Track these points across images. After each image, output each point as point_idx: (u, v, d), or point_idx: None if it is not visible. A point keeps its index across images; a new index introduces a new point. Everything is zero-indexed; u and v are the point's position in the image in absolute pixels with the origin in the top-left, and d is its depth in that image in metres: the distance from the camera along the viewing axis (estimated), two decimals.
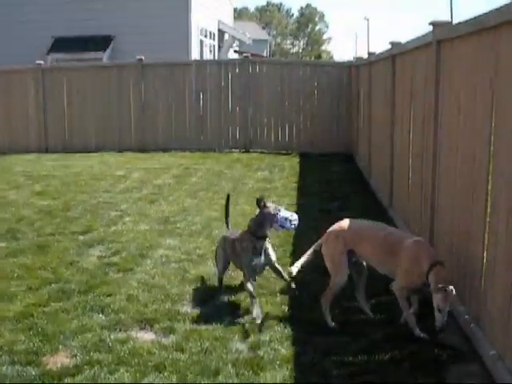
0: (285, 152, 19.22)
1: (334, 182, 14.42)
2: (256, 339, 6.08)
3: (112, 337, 6.14)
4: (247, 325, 6.41)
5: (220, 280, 7.38)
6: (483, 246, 5.74)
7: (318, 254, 6.73)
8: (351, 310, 6.76)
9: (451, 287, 5.65)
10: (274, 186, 13.92)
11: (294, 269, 6.75)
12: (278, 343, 6.00)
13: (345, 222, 6.83)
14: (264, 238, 6.70)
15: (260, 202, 6.68)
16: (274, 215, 6.62)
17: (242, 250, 6.74)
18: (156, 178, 14.84)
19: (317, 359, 5.71)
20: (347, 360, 5.73)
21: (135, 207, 11.80)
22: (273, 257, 6.87)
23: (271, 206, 6.66)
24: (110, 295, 7.19)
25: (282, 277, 6.86)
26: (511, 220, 5.00)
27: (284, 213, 6.69)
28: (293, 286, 6.82)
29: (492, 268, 5.54)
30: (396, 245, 6.25)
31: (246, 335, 6.20)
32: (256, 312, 6.43)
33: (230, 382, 5.31)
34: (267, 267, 6.91)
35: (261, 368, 5.53)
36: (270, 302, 6.94)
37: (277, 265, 6.91)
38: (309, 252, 6.87)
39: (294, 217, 6.74)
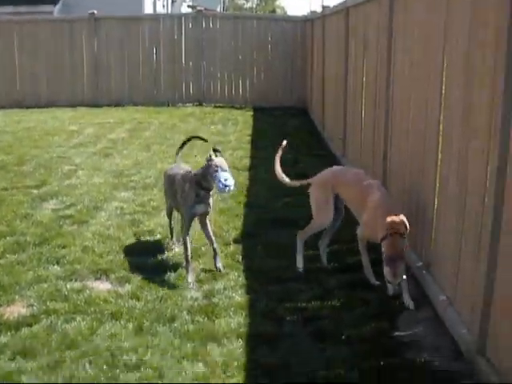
0: (238, 106, 19.22)
1: (288, 135, 14.39)
2: (210, 287, 6.19)
3: (68, 287, 6.18)
4: (202, 274, 6.50)
5: (169, 216, 7.38)
6: (434, 193, 5.87)
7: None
8: (307, 258, 6.85)
9: (400, 263, 5.67)
10: (227, 139, 13.94)
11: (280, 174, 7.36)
12: (233, 291, 6.11)
13: (332, 169, 7.03)
14: (208, 190, 6.52)
15: (208, 157, 6.40)
16: (215, 170, 6.30)
17: (183, 196, 6.57)
18: (110, 133, 14.77)
19: (271, 306, 5.83)
20: (301, 306, 5.84)
21: (89, 161, 11.76)
22: (210, 210, 6.72)
23: (215, 160, 6.35)
24: (65, 247, 7.21)
25: (209, 234, 6.70)
26: (462, 166, 5.13)
27: (223, 174, 6.29)
28: (220, 267, 6.62)
29: (443, 214, 5.67)
30: (365, 196, 6.26)
31: (200, 283, 6.31)
32: (191, 278, 6.37)
33: (186, 328, 5.40)
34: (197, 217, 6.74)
35: (216, 315, 5.63)
36: (224, 251, 7.01)
37: (208, 220, 6.73)
38: (293, 183, 7.27)
39: (230, 182, 6.29)
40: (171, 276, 6.45)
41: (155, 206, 8.65)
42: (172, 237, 7.34)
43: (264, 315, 5.66)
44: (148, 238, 7.48)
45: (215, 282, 6.31)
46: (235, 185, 6.57)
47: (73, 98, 19.70)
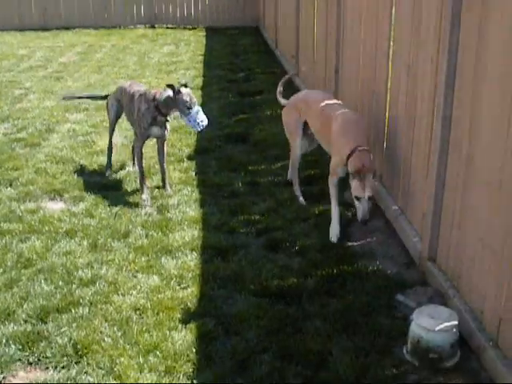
0: (191, 27, 18.94)
1: (241, 54, 14.38)
2: (164, 203, 6.24)
3: (22, 208, 6.18)
4: (156, 190, 6.53)
5: (111, 130, 7.19)
6: (385, 103, 5.92)
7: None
8: (259, 173, 6.98)
9: (368, 175, 5.23)
10: (180, 59, 13.78)
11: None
12: (186, 206, 6.19)
13: (302, 93, 6.78)
14: (166, 115, 6.39)
15: (174, 87, 6.16)
16: (188, 107, 6.14)
17: (141, 114, 6.37)
18: (60, 56, 14.47)
19: (224, 219, 5.92)
20: (254, 219, 5.95)
21: (40, 85, 11.54)
22: (167, 134, 6.62)
23: (185, 93, 6.16)
24: (17, 169, 7.18)
25: (162, 160, 6.61)
26: (411, 77, 5.17)
27: (200, 114, 6.18)
28: (168, 190, 6.55)
29: (393, 125, 5.73)
30: (329, 119, 5.80)
31: (154, 199, 6.36)
32: (145, 195, 6.38)
33: (140, 242, 5.48)
34: (157, 139, 6.63)
35: (170, 229, 5.71)
36: (177, 168, 7.03)
37: (165, 145, 6.66)
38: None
39: (204, 122, 6.24)
40: (125, 193, 6.51)
41: (108, 127, 8.54)
42: (110, 160, 7.17)
43: (217, 228, 5.75)
44: (101, 158, 7.43)
45: (169, 198, 6.36)
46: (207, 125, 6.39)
47: (21, 22, 19.15)
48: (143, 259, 5.20)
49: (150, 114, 6.35)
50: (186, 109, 6.15)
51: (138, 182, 6.54)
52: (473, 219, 4.07)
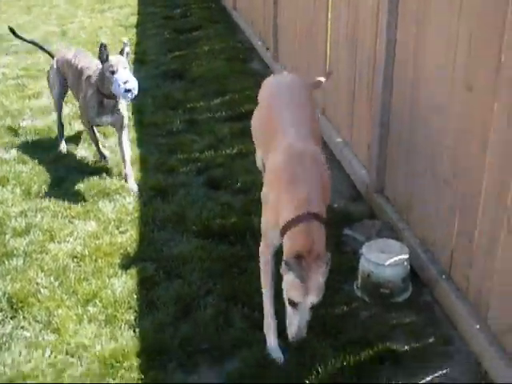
0: None
1: None
2: (101, 145, 5.89)
3: None
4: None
5: (59, 107, 6.07)
6: (326, 35, 5.75)
7: None
8: (198, 110, 6.83)
9: (316, 268, 3.05)
10: None
11: None
12: None
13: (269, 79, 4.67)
14: (113, 97, 5.30)
15: (101, 52, 5.13)
16: (111, 71, 5.08)
17: (87, 101, 5.37)
18: None
19: (163, 159, 5.76)
20: (194, 157, 5.79)
21: None
22: (124, 119, 5.51)
23: (112, 59, 5.15)
24: None
25: (123, 154, 5.45)
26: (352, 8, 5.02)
27: (122, 75, 5.08)
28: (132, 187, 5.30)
29: (335, 56, 5.58)
30: (274, 139, 3.77)
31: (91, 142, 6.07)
32: (108, 159, 5.65)
33: (76, 187, 5.26)
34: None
35: (107, 172, 5.52)
36: None
37: (124, 134, 5.50)
38: None
39: (131, 84, 5.08)
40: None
41: (40, 69, 8.23)
42: (61, 137, 6.13)
43: (156, 168, 5.58)
44: (33, 102, 7.16)
45: (106, 140, 6.15)
46: (137, 88, 5.21)
47: None
48: (79, 205, 5.00)
49: (94, 99, 5.34)
50: (110, 74, 5.10)
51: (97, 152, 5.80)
52: (422, 148, 3.93)
